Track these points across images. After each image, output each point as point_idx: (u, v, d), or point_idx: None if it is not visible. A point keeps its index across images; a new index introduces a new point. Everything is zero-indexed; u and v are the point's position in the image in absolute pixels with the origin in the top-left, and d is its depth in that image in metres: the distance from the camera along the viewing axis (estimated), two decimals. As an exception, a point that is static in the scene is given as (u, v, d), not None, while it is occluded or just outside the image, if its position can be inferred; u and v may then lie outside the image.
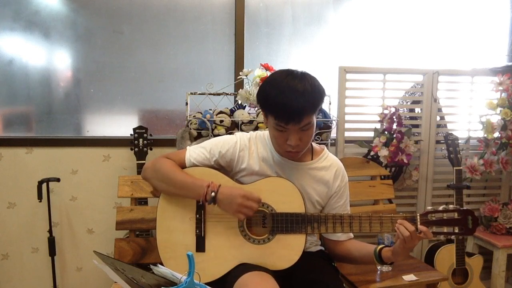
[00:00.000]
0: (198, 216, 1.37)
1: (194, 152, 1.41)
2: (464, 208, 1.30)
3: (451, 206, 1.30)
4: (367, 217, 1.32)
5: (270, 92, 1.25)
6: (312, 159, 1.44)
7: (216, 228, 1.35)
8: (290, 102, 1.20)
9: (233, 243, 1.34)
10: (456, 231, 1.29)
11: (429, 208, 1.31)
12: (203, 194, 1.28)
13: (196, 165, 1.40)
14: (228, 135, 1.46)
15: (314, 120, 1.29)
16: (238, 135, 1.44)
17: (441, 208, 1.30)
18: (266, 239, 1.33)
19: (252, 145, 1.42)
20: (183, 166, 1.40)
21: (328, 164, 1.45)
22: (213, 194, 1.27)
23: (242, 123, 2.12)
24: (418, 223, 1.28)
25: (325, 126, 2.22)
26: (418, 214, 1.29)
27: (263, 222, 1.36)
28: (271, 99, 1.24)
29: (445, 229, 1.29)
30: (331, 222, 1.33)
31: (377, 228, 1.31)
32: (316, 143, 1.64)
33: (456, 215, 1.29)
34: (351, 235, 1.49)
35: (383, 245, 1.35)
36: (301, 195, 1.33)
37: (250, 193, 1.27)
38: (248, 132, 1.49)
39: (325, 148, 1.51)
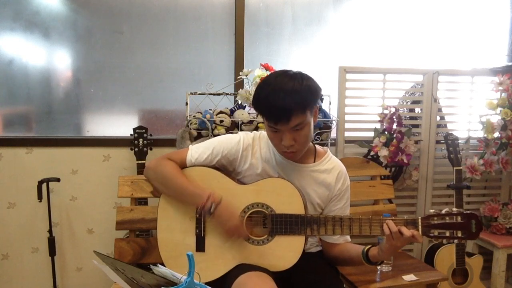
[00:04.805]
0: (198, 216, 1.37)
1: (196, 152, 1.40)
2: (468, 212, 1.25)
3: (454, 210, 1.26)
4: (367, 220, 1.30)
5: (260, 93, 1.25)
6: (314, 161, 1.43)
7: (216, 228, 1.35)
8: (276, 102, 1.20)
9: (232, 244, 1.34)
10: (459, 235, 1.24)
11: (432, 211, 1.27)
12: (201, 204, 1.28)
13: (197, 165, 1.40)
14: (231, 134, 1.44)
15: (310, 120, 1.27)
16: (242, 134, 1.43)
17: (443, 211, 1.26)
18: (266, 240, 1.33)
19: (256, 145, 1.42)
20: (184, 166, 1.40)
21: (331, 167, 1.44)
22: (213, 207, 1.27)
23: (242, 123, 2.12)
24: (420, 226, 1.25)
25: (325, 126, 2.21)
26: (419, 218, 1.26)
27: (263, 223, 1.36)
28: (261, 99, 1.24)
29: (447, 233, 1.25)
30: (331, 224, 1.32)
31: (377, 231, 1.29)
32: (316, 143, 1.63)
33: (459, 218, 1.24)
34: (348, 238, 1.48)
35: (371, 245, 1.34)
36: (301, 197, 1.32)
37: (242, 229, 1.30)
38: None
39: (328, 150, 1.50)
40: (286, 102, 1.19)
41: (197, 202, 1.29)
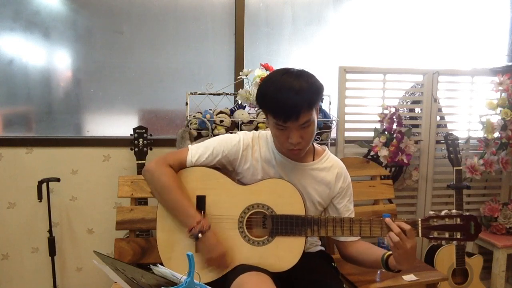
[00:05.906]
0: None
1: (196, 152, 1.40)
2: (467, 213, 1.27)
3: (453, 211, 1.27)
4: (367, 221, 1.30)
5: (267, 91, 1.25)
6: (313, 160, 1.44)
7: (215, 228, 1.35)
8: (286, 100, 1.21)
9: (232, 244, 1.34)
10: (458, 236, 1.26)
11: (431, 213, 1.28)
12: (189, 227, 1.29)
13: (197, 165, 1.39)
14: (230, 134, 1.45)
15: (315, 117, 1.28)
16: (241, 134, 1.44)
17: (443, 213, 1.27)
18: (266, 241, 1.33)
19: (255, 145, 1.42)
20: (184, 166, 1.40)
21: (330, 165, 1.45)
22: (200, 235, 1.28)
23: (242, 123, 2.12)
24: (419, 228, 1.26)
25: (325, 126, 2.21)
26: (419, 219, 1.26)
27: (263, 224, 1.36)
28: (268, 98, 1.25)
29: (447, 235, 1.26)
30: (331, 225, 1.32)
31: (377, 232, 1.29)
32: (317, 143, 1.63)
33: (458, 220, 1.26)
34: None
35: (391, 253, 1.30)
36: (301, 197, 1.32)
37: (225, 260, 1.30)
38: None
39: (327, 149, 1.50)
40: (295, 100, 1.20)
41: (186, 223, 1.30)
